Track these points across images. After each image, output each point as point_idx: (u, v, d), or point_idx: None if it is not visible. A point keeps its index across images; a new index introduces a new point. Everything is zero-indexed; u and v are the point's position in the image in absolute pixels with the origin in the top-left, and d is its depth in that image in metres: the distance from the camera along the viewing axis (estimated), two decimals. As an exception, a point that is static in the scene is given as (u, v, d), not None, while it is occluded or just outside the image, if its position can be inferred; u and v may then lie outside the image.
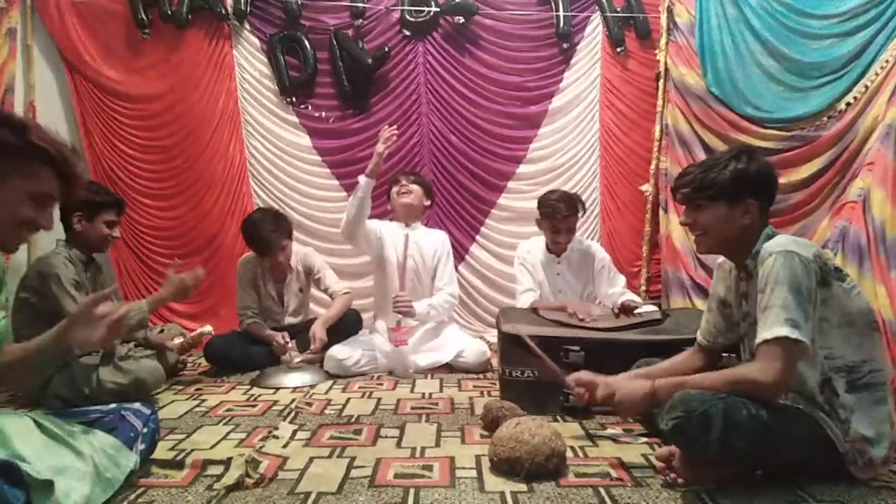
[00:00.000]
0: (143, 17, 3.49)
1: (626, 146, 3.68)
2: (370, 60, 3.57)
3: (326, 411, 2.14)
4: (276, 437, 1.82)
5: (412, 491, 1.42)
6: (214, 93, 3.61)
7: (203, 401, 2.30)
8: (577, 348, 2.09)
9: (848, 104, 3.06)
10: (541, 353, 1.88)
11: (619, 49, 3.65)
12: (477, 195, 3.73)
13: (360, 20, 3.61)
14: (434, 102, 3.71)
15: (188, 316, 3.57)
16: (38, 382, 2.11)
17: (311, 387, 2.50)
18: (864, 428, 1.40)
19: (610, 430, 1.86)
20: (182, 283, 2.27)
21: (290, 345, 2.80)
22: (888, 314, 2.69)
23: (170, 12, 3.49)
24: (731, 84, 3.29)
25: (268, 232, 2.79)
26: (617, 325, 2.26)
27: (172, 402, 2.29)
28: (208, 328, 2.86)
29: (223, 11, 3.54)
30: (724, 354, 1.76)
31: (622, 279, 2.88)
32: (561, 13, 3.61)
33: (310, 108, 3.66)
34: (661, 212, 3.50)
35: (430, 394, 2.39)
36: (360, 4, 3.59)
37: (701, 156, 3.21)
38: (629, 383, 1.55)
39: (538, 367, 2.05)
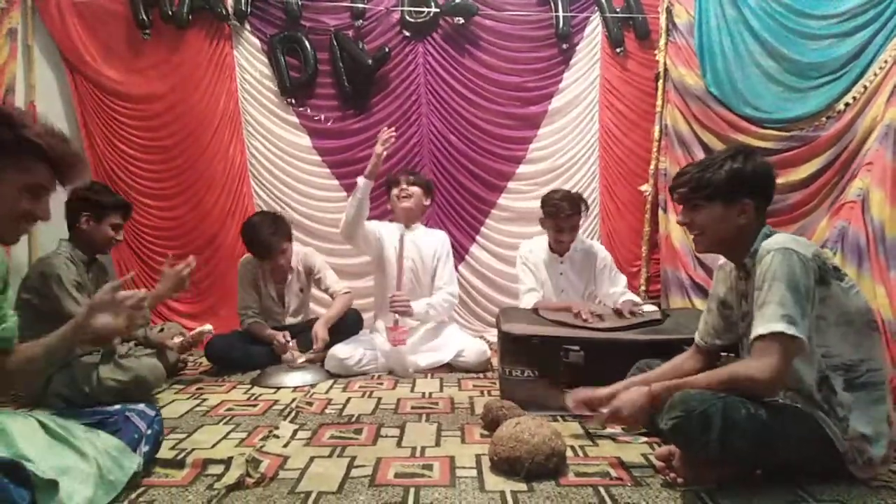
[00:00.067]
0: (144, 17, 3.50)
1: (625, 146, 3.68)
2: (370, 61, 3.57)
3: (327, 411, 2.14)
4: (276, 436, 1.82)
5: (412, 490, 1.43)
6: (215, 93, 3.61)
7: (204, 400, 2.30)
8: (576, 348, 2.10)
9: (847, 104, 3.07)
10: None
11: (618, 49, 3.65)
12: (477, 195, 3.73)
13: (361, 21, 3.61)
14: (434, 103, 3.72)
15: (188, 315, 3.58)
16: (40, 382, 2.11)
17: (312, 386, 2.51)
18: (863, 427, 1.40)
19: (610, 430, 1.86)
20: (178, 274, 2.27)
21: (290, 344, 2.81)
22: (887, 314, 2.69)
23: (170, 13, 3.49)
24: (730, 84, 3.29)
25: (267, 235, 2.79)
26: (616, 325, 2.27)
27: (173, 401, 2.30)
28: (208, 327, 2.86)
29: (224, 12, 3.54)
30: (722, 354, 1.77)
31: (623, 279, 2.88)
32: (560, 14, 3.62)
33: (308, 110, 3.66)
34: (660, 212, 3.51)
35: (431, 393, 2.39)
36: (361, 5, 3.59)
37: (700, 156, 3.21)
38: (628, 393, 1.54)
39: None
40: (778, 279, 1.38)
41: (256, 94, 3.67)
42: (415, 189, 2.94)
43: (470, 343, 2.88)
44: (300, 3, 3.55)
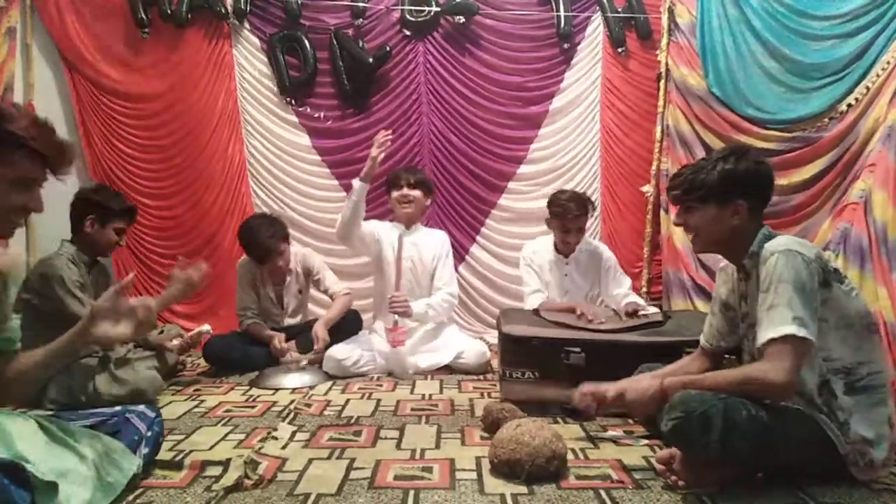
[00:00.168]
0: (143, 16, 3.49)
1: (626, 147, 3.67)
2: (371, 59, 3.56)
3: (326, 412, 2.13)
4: (275, 438, 1.81)
5: (412, 493, 1.42)
6: (214, 92, 3.60)
7: (202, 401, 2.29)
8: (578, 350, 2.09)
9: (849, 105, 3.05)
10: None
11: (620, 49, 3.64)
12: (477, 195, 3.72)
13: (361, 20, 3.60)
14: (434, 102, 3.71)
15: (187, 316, 3.56)
16: (35, 388, 2.10)
17: (311, 388, 2.49)
18: (864, 430, 1.40)
19: (611, 433, 1.85)
20: (188, 279, 2.25)
21: (287, 346, 2.80)
22: (889, 316, 2.68)
23: (169, 11, 3.48)
24: (732, 85, 3.28)
25: (265, 238, 2.78)
26: (618, 326, 2.26)
27: (171, 402, 2.29)
28: (206, 327, 2.85)
29: (223, 11, 3.53)
30: (725, 357, 1.76)
31: (628, 280, 2.87)
32: (562, 13, 3.61)
33: (308, 108, 3.65)
34: (662, 213, 3.50)
35: (430, 395, 2.38)
36: (361, 4, 3.58)
37: (702, 156, 3.20)
38: (638, 383, 1.55)
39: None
40: (784, 281, 1.37)
41: (256, 94, 3.66)
42: (416, 193, 2.92)
43: (470, 344, 2.87)
44: (300, 1, 3.54)
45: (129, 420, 1.48)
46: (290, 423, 1.97)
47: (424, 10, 3.60)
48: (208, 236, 3.63)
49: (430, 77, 3.69)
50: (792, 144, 3.17)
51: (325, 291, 3.04)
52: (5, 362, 1.32)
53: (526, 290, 2.82)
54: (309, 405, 2.21)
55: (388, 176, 3.06)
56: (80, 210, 2.29)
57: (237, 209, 3.62)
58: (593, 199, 3.65)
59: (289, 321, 3.05)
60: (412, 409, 2.16)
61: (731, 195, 1.50)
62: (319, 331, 2.77)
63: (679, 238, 3.36)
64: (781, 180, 3.09)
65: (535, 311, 2.49)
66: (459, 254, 3.63)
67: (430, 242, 2.97)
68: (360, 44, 3.59)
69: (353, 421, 2.03)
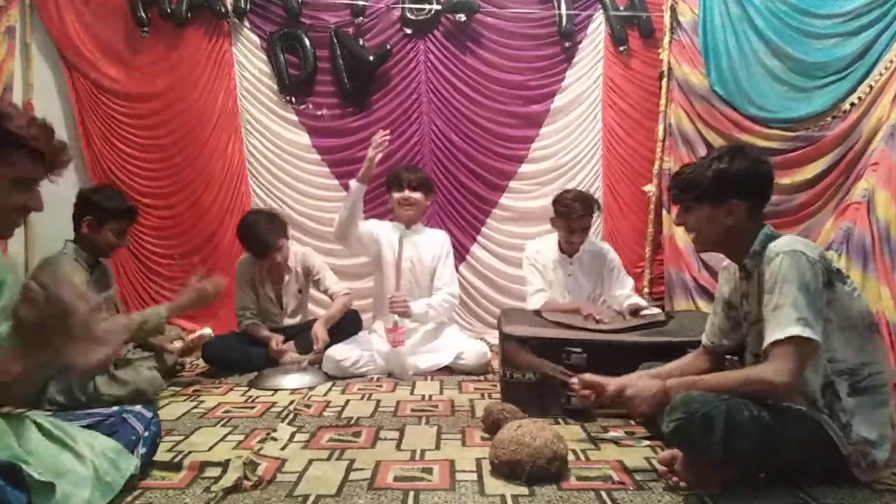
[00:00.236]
0: (143, 15, 3.48)
1: (628, 146, 3.66)
2: (371, 58, 3.55)
3: (325, 413, 2.12)
4: (274, 438, 1.80)
5: (412, 494, 1.41)
6: (213, 91, 3.59)
7: (201, 402, 2.28)
8: (579, 350, 2.08)
9: (852, 104, 3.05)
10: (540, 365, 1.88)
11: (621, 48, 3.63)
12: (478, 195, 3.71)
13: (361, 18, 3.59)
14: (435, 101, 3.70)
15: (186, 316, 3.54)
16: (35, 388, 2.09)
17: (310, 388, 2.48)
18: (866, 430, 1.39)
19: (612, 433, 1.84)
20: (203, 291, 2.24)
21: (285, 347, 2.79)
22: (892, 315, 2.67)
23: (169, 10, 3.47)
24: (734, 84, 3.27)
25: (264, 233, 2.77)
26: (620, 326, 2.25)
27: (170, 403, 2.28)
28: (207, 330, 2.82)
29: (223, 9, 3.52)
30: (727, 357, 1.75)
31: (630, 282, 2.86)
32: (563, 11, 3.59)
33: (310, 106, 3.64)
34: (664, 212, 3.49)
35: (430, 396, 2.37)
36: (361, 2, 3.57)
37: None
38: (640, 381, 1.54)
39: (541, 370, 2.06)
40: (789, 282, 1.36)
41: (255, 92, 3.65)
42: (417, 196, 2.89)
43: (470, 345, 2.85)
44: (300, 0, 3.53)
45: (127, 420, 1.47)
46: (289, 423, 1.96)
47: (425, 9, 3.58)
48: (208, 235, 3.62)
49: (430, 76, 3.68)
50: (794, 143, 3.16)
51: (325, 291, 3.03)
52: None
53: (529, 289, 2.81)
54: (308, 406, 2.20)
55: (388, 175, 3.04)
56: (79, 210, 2.28)
57: (237, 208, 3.60)
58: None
59: (288, 321, 3.04)
60: (412, 410, 2.15)
61: (725, 195, 1.49)
62: (319, 331, 2.76)
63: (681, 238, 3.35)
64: (784, 179, 3.08)
65: (537, 312, 2.48)
66: (460, 253, 3.62)
67: (431, 242, 2.95)
68: (361, 42, 3.58)
69: (352, 422, 2.02)
